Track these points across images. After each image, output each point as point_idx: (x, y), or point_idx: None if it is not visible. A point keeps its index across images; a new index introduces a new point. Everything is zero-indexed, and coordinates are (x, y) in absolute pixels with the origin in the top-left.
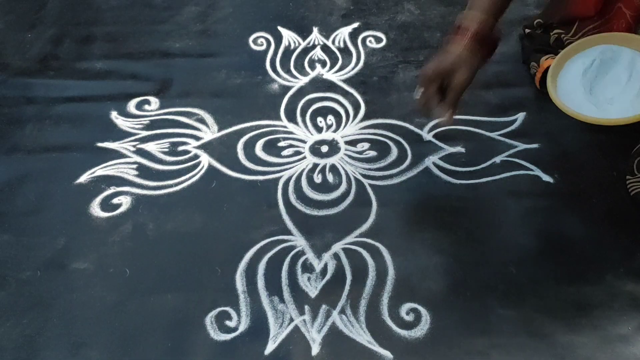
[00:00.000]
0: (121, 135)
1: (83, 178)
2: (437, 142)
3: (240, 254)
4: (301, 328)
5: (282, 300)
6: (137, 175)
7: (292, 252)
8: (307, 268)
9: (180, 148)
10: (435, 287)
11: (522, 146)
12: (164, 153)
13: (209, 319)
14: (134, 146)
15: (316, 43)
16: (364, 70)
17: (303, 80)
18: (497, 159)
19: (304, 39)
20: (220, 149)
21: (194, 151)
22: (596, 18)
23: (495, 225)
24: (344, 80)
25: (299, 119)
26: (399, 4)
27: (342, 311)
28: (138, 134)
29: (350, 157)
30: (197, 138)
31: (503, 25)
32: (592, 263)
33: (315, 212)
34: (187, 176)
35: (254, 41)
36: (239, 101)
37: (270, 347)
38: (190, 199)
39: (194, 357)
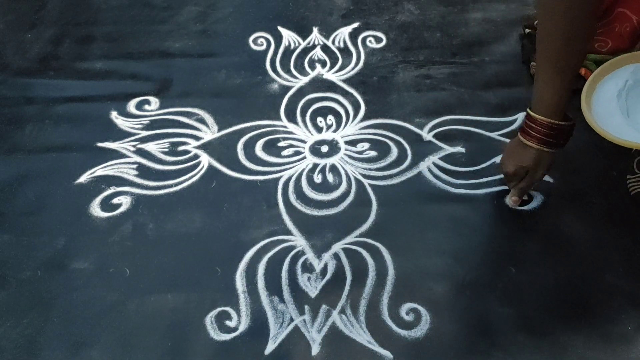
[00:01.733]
0: (121, 135)
1: (83, 178)
2: (437, 142)
3: (240, 254)
4: (301, 328)
5: (282, 300)
6: (137, 175)
7: (292, 252)
8: (307, 268)
9: (180, 148)
10: (435, 287)
11: None
12: (164, 153)
13: (209, 319)
14: (134, 146)
15: (316, 43)
16: (364, 70)
17: (303, 80)
18: (497, 159)
19: (304, 39)
20: (220, 149)
21: (194, 151)
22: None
23: (495, 225)
24: (344, 80)
25: (299, 119)
26: (399, 4)
27: (342, 311)
28: (138, 134)
29: (350, 157)
30: (197, 138)
31: (503, 25)
32: (591, 262)
33: (315, 212)
34: (187, 176)
35: (254, 41)
36: (239, 101)
37: (270, 347)
38: (190, 199)
39: (194, 357)
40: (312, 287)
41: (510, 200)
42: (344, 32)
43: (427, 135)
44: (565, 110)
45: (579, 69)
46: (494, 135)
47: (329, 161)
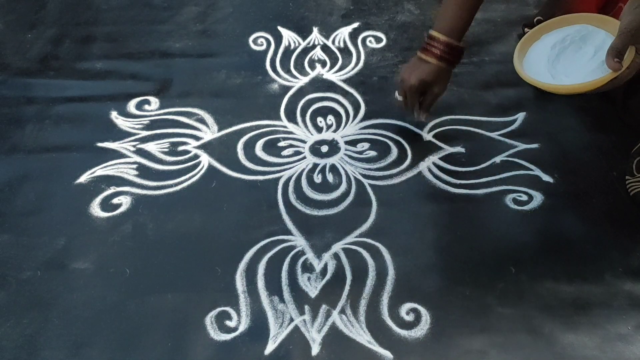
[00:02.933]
0: (121, 135)
1: (83, 178)
2: (437, 142)
3: (240, 254)
4: (301, 328)
5: (282, 300)
6: (137, 175)
7: (292, 252)
8: (307, 268)
9: (180, 148)
10: (435, 286)
11: (522, 146)
12: (164, 153)
13: (209, 319)
14: (134, 146)
15: (316, 43)
16: (364, 70)
17: (303, 80)
18: (497, 159)
19: (304, 39)
20: (220, 149)
21: (194, 151)
22: None
23: (495, 225)
24: (344, 80)
25: (299, 119)
26: (399, 4)
27: (342, 311)
28: (138, 134)
29: (350, 157)
30: (197, 138)
31: (503, 25)
32: (591, 262)
33: (315, 212)
34: (187, 176)
35: (254, 41)
36: (239, 101)
37: (270, 347)
38: (190, 199)
39: (194, 357)
40: (312, 287)
41: (423, 118)
42: (344, 32)
43: (427, 135)
44: (463, 34)
45: (481, 1)
46: (494, 135)
47: (329, 161)
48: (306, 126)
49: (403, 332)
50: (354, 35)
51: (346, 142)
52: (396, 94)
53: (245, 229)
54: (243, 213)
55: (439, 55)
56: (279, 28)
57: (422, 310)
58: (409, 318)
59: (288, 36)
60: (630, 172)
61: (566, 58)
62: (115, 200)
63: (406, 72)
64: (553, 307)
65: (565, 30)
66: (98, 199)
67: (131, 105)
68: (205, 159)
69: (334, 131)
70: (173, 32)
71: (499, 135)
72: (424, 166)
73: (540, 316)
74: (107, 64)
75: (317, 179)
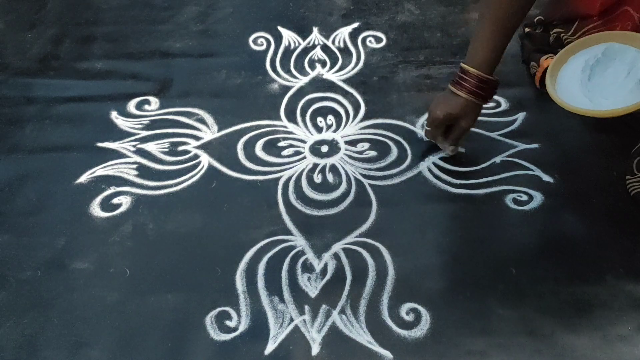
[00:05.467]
0: (121, 135)
1: (83, 178)
2: None
3: (240, 254)
4: (301, 328)
5: (282, 300)
6: (137, 175)
7: (292, 252)
8: (307, 268)
9: (180, 148)
10: (435, 287)
11: (522, 146)
12: (164, 153)
13: (209, 319)
14: (134, 146)
15: (316, 43)
16: (364, 70)
17: (303, 80)
18: (497, 159)
19: (304, 39)
20: (220, 149)
21: (194, 151)
22: (596, 18)
23: (495, 225)
24: (344, 80)
25: (299, 119)
26: (399, 4)
27: (342, 311)
28: (138, 134)
29: (350, 157)
30: (197, 138)
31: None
32: (592, 263)
33: (315, 212)
34: (187, 176)
35: (254, 41)
36: (239, 101)
37: (270, 347)
38: (190, 199)
39: (194, 357)
40: (312, 287)
41: (449, 151)
42: (344, 32)
43: None
44: (494, 67)
45: (513, 33)
46: (494, 135)
47: (329, 161)
48: (306, 126)
49: (403, 332)
50: (354, 35)
51: (346, 142)
52: (424, 124)
53: (245, 229)
54: (243, 213)
55: (470, 89)
56: (279, 28)
57: (422, 310)
58: (409, 318)
59: (288, 36)
60: (631, 172)
61: (598, 79)
62: (115, 200)
63: (434, 104)
64: (553, 308)
65: (591, 51)
66: (98, 199)
67: (131, 105)
68: (205, 159)
69: (334, 131)
70: (173, 32)
71: (499, 135)
72: (424, 166)
73: (541, 317)
74: (107, 64)
75: (317, 179)
